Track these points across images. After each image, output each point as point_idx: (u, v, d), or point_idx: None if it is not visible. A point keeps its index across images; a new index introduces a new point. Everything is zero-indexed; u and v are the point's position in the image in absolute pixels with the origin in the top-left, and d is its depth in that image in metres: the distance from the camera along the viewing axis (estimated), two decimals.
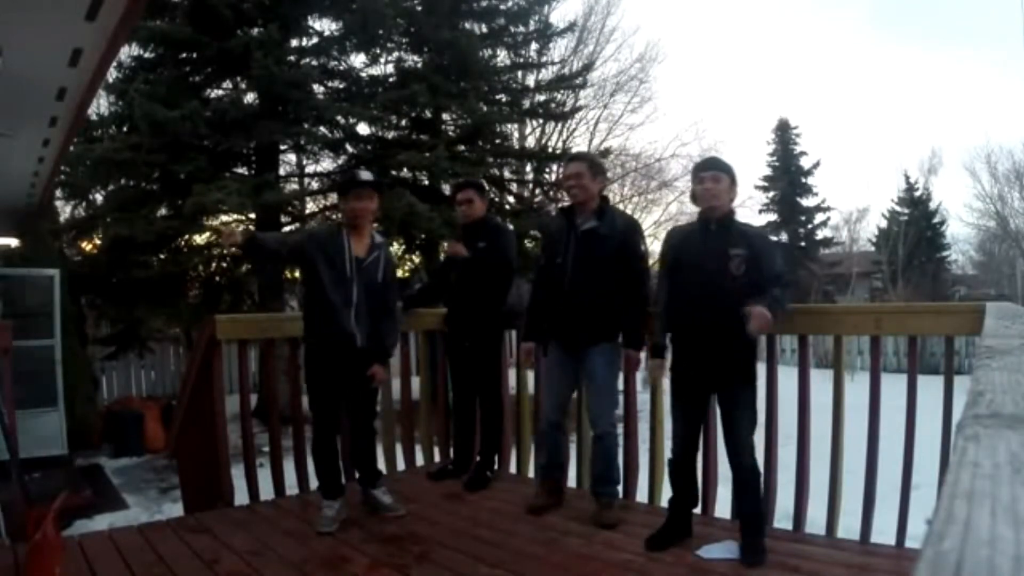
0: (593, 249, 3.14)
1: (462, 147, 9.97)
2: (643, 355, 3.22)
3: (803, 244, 25.89)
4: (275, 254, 3.47)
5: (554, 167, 11.39)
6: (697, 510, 2.97)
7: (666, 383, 2.95)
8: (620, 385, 3.65)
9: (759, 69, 41.87)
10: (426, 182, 10.03)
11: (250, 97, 9.17)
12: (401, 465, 4.27)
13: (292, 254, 3.34)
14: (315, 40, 9.53)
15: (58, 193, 8.81)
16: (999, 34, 36.89)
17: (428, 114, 10.14)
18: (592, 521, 3.09)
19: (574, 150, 15.06)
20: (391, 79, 10.10)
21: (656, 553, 2.70)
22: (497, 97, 11.03)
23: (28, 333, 6.18)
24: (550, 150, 14.59)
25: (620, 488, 3.35)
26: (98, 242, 9.48)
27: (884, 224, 25.89)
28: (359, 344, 3.12)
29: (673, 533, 2.79)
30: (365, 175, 3.29)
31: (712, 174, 2.71)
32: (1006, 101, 37.93)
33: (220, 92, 9.36)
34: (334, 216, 10.55)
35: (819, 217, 26.38)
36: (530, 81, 12.41)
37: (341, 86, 9.88)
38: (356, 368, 3.15)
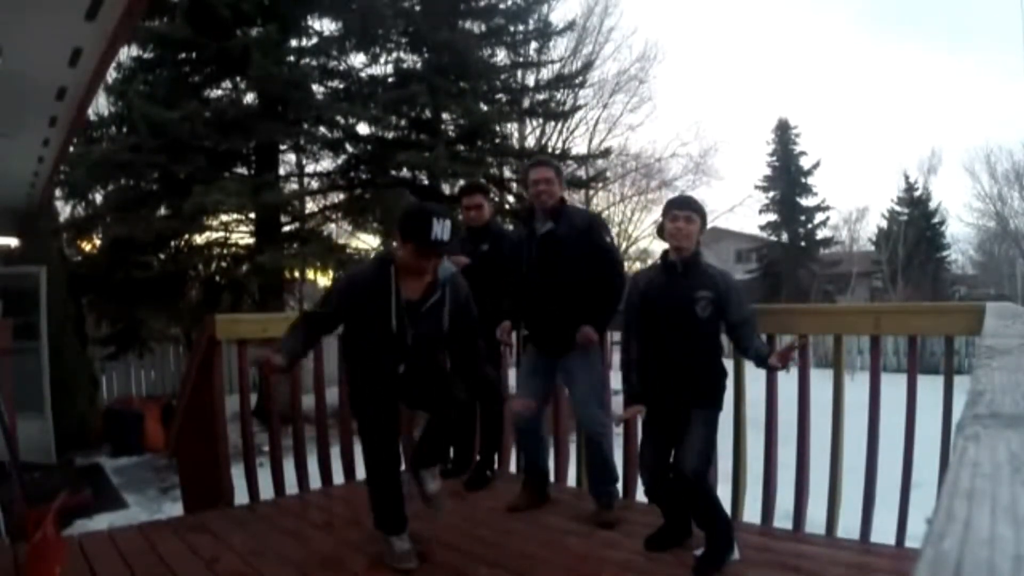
0: (553, 252, 3.11)
1: (462, 147, 9.98)
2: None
3: (803, 244, 25.90)
4: (317, 339, 2.85)
5: None
6: None
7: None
8: (617, 385, 3.66)
9: (759, 69, 41.91)
10: (426, 182, 10.04)
11: (249, 97, 9.19)
12: (401, 465, 4.26)
13: (332, 323, 2.73)
14: (314, 40, 9.54)
15: (58, 193, 8.81)
16: (999, 34, 36.95)
17: (428, 114, 10.15)
18: (592, 521, 3.09)
19: (574, 150, 15.07)
20: (390, 79, 10.11)
21: (656, 553, 2.70)
22: (496, 97, 11.03)
23: (15, 334, 6.10)
24: (550, 150, 14.60)
25: (620, 487, 3.36)
26: (98, 242, 9.49)
27: (884, 224, 25.90)
28: (399, 372, 2.63)
29: (672, 533, 2.79)
30: (442, 231, 2.43)
31: (687, 214, 2.70)
32: (1006, 101, 37.95)
33: (219, 92, 9.38)
34: (334, 216, 10.57)
35: (819, 217, 26.43)
36: (529, 80, 12.45)
37: (340, 86, 9.89)
38: (400, 388, 2.68)
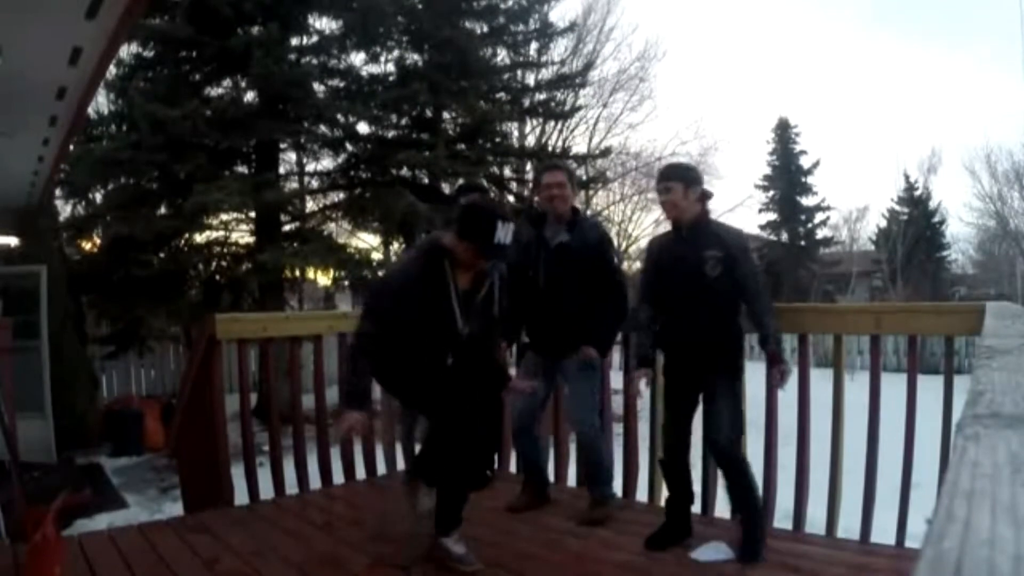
0: (565, 263, 3.12)
1: (462, 146, 9.98)
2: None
3: (803, 244, 25.89)
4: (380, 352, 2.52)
5: None
6: (696, 509, 2.97)
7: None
8: (618, 384, 3.66)
9: (759, 68, 41.83)
10: (426, 181, 10.04)
11: (250, 96, 9.17)
12: (401, 464, 4.27)
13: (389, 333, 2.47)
14: (315, 39, 9.53)
15: (58, 192, 8.81)
16: (999, 33, 36.89)
17: (428, 113, 10.15)
18: (581, 518, 3.10)
19: (574, 150, 15.07)
20: (391, 78, 10.10)
21: (656, 553, 2.70)
22: (497, 96, 11.03)
23: (15, 333, 6.11)
24: (550, 149, 14.59)
25: (617, 486, 3.36)
26: (98, 241, 9.49)
27: (884, 224, 25.89)
28: (447, 364, 2.54)
29: (673, 533, 2.79)
30: (506, 235, 2.36)
31: (663, 186, 2.74)
32: (1006, 100, 37.90)
33: (220, 91, 9.36)
34: (334, 215, 10.55)
35: (819, 216, 26.38)
36: (530, 80, 12.43)
37: (341, 85, 9.88)
38: (446, 379, 2.57)
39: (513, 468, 4.10)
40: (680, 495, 2.85)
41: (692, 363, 2.72)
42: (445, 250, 2.45)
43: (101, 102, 9.15)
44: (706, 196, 2.77)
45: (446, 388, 2.55)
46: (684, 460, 2.85)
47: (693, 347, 2.70)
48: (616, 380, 3.81)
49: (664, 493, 3.36)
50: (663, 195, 2.74)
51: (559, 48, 14.98)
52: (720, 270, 2.62)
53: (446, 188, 9.85)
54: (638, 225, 20.47)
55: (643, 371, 2.92)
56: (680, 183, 2.71)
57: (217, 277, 9.38)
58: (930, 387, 2.70)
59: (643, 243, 20.21)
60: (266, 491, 3.62)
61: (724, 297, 2.66)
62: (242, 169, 9.41)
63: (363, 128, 9.87)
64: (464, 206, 2.66)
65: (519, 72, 11.96)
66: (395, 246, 9.93)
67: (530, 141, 16.11)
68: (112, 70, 8.08)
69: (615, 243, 3.53)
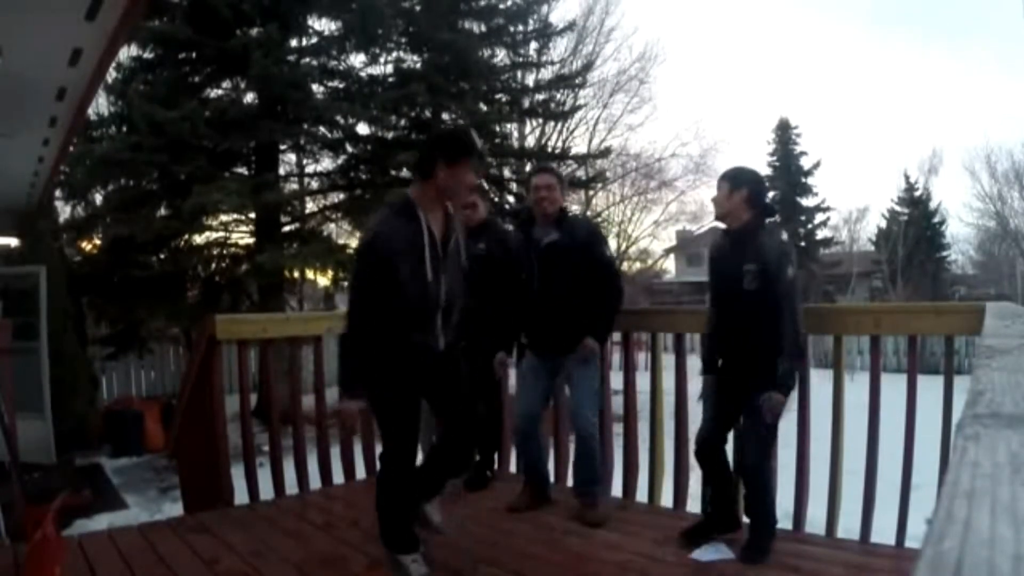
0: (556, 263, 3.13)
1: None
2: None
3: (803, 244, 25.90)
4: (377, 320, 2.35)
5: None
6: (696, 509, 2.97)
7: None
8: (618, 384, 3.66)
9: (759, 69, 41.88)
10: None
11: (249, 97, 9.18)
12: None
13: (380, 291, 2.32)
14: (314, 40, 9.54)
15: (58, 193, 8.81)
16: (999, 34, 36.89)
17: (427, 114, 10.15)
18: (578, 520, 3.10)
19: (574, 150, 15.08)
20: (390, 79, 10.11)
21: (656, 553, 2.70)
22: (496, 97, 11.04)
23: (15, 334, 6.10)
24: (550, 150, 14.60)
25: (617, 486, 3.36)
26: (98, 242, 9.49)
27: (884, 224, 25.93)
28: (439, 349, 2.46)
29: (715, 526, 2.77)
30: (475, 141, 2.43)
31: (720, 183, 2.72)
32: (1006, 101, 37.91)
33: (220, 92, 9.38)
34: (334, 216, 10.55)
35: (819, 217, 26.46)
36: (529, 81, 12.44)
37: (340, 86, 9.89)
38: (436, 375, 2.47)
39: (513, 468, 4.10)
40: (720, 488, 2.82)
41: (735, 372, 2.70)
42: (415, 203, 2.36)
43: (101, 103, 9.16)
44: (758, 204, 2.66)
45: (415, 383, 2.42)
46: (719, 454, 2.81)
47: (734, 356, 2.69)
48: (616, 380, 3.81)
49: (665, 493, 3.37)
50: (715, 193, 2.74)
51: (559, 48, 15.03)
52: (757, 284, 2.55)
53: None
54: (638, 226, 20.51)
55: (707, 379, 2.84)
56: (727, 183, 2.67)
57: (217, 278, 9.39)
58: (930, 387, 2.70)
59: (643, 244, 20.24)
60: (266, 491, 3.62)
61: (764, 310, 2.56)
62: (242, 170, 9.42)
63: (363, 129, 9.88)
64: (437, 136, 2.80)
65: (518, 72, 11.97)
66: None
67: (530, 142, 16.14)
68: (112, 72, 8.08)
69: (607, 239, 3.54)
